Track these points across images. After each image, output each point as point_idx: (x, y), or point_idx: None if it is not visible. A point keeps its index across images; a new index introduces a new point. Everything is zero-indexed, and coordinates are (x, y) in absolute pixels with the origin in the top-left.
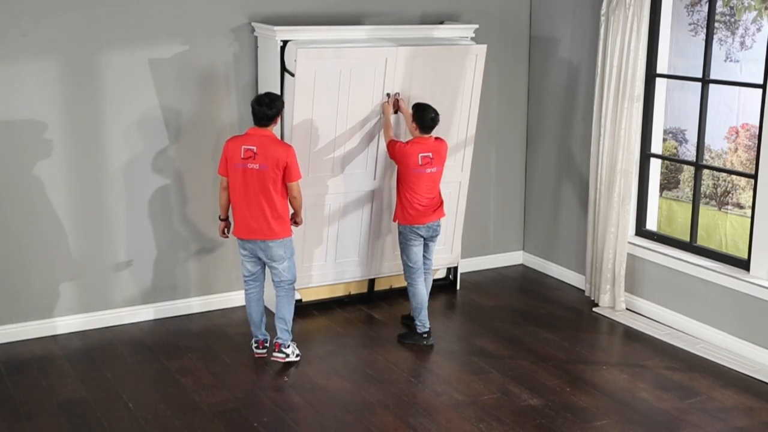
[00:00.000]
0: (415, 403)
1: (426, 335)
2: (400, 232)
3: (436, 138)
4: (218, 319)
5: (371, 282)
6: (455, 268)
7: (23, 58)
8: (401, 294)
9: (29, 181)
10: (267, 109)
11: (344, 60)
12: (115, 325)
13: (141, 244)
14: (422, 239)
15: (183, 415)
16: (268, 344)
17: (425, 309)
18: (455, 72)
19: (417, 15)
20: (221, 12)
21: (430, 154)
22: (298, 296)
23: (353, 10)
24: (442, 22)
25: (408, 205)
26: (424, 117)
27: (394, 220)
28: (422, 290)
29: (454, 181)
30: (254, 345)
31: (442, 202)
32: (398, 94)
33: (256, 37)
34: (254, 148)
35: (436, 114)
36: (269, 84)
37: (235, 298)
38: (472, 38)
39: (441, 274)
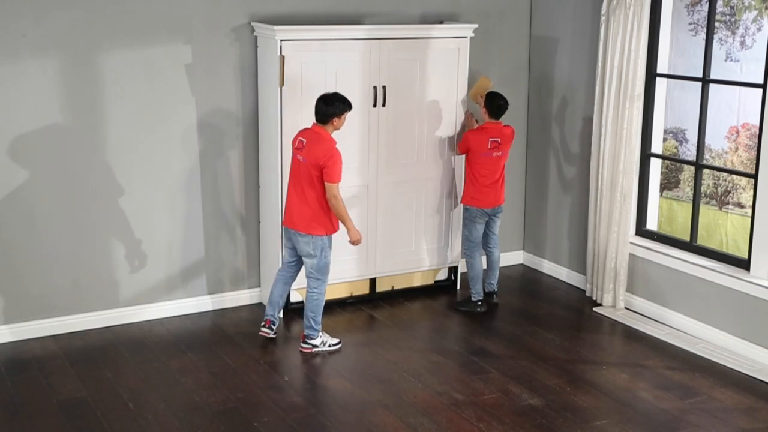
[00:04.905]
0: (415, 403)
1: (480, 303)
2: (466, 209)
3: (505, 125)
4: (218, 319)
5: (372, 283)
6: (455, 268)
7: (23, 58)
8: (403, 295)
9: (29, 180)
10: (324, 105)
11: (329, 53)
12: (115, 325)
13: (140, 243)
14: (487, 216)
15: (183, 415)
16: (274, 327)
17: (480, 280)
18: (439, 65)
19: (417, 15)
20: (221, 12)
21: (498, 139)
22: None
23: (353, 10)
24: (441, 22)
25: (477, 188)
26: (493, 103)
27: (462, 202)
28: (479, 263)
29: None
30: (262, 323)
31: (503, 189)
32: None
33: (256, 37)
34: (305, 140)
35: (505, 102)
36: (269, 84)
37: (236, 298)
38: (471, 38)
39: (443, 274)
